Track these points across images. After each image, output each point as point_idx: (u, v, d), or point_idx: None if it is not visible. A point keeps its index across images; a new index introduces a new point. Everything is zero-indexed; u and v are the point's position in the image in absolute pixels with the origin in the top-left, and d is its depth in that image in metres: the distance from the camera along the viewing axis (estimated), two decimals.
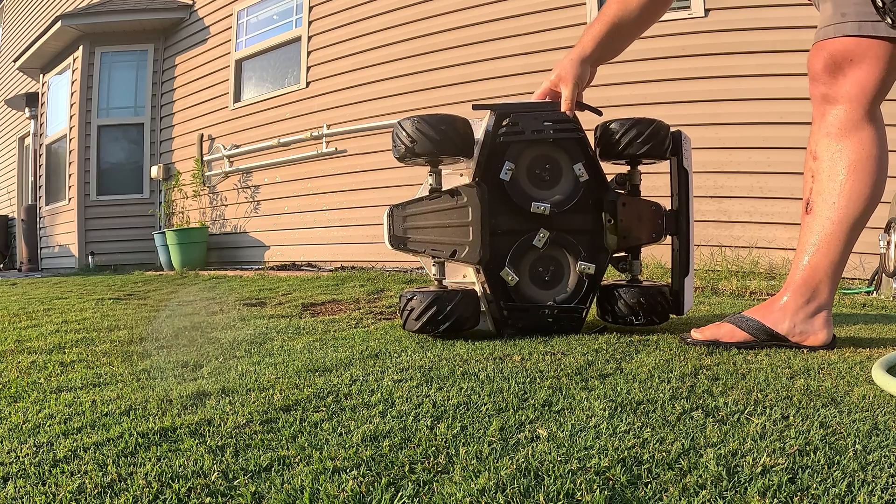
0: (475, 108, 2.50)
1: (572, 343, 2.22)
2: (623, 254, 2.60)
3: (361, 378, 1.79)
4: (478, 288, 2.50)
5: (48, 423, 1.47)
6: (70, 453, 1.27)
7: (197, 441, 1.31)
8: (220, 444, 1.29)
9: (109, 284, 6.15)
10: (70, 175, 9.98)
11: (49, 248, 10.87)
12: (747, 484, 1.03)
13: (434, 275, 2.52)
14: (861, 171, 1.96)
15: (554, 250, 2.49)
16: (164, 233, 7.94)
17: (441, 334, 2.41)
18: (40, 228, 11.21)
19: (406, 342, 2.36)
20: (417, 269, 6.15)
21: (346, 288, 4.70)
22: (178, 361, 2.14)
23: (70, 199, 9.97)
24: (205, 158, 8.60)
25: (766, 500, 0.96)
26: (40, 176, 11.24)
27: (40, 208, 11.20)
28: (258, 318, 3.31)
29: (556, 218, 2.46)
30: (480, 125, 2.53)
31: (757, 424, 1.30)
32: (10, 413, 1.57)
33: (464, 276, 2.72)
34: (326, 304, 3.89)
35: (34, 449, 1.29)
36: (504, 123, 2.45)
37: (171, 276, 6.77)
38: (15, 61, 11.82)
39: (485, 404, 1.50)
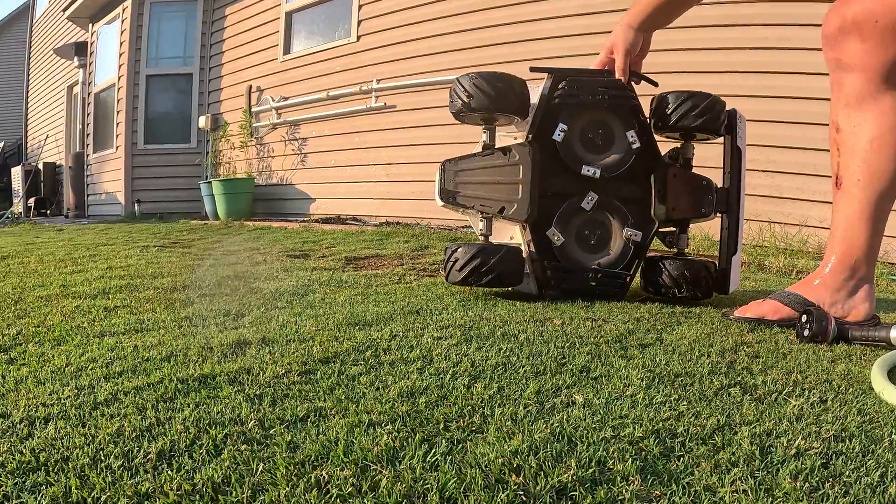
0: (532, 69, 2.46)
1: (614, 310, 2.20)
2: (671, 228, 2.55)
3: (401, 334, 1.80)
4: (523, 248, 2.49)
5: (90, 367, 1.50)
6: (110, 396, 1.29)
7: (235, 389, 1.33)
8: (257, 392, 1.31)
9: (154, 232, 6.26)
10: (118, 124, 10.11)
11: (96, 196, 11.07)
12: (780, 465, 1.00)
13: (481, 230, 2.51)
14: (884, 146, 1.86)
15: (601, 215, 2.46)
16: (210, 182, 8.04)
17: (483, 286, 2.40)
18: (87, 176, 11.41)
19: (448, 300, 2.36)
20: (463, 227, 6.14)
21: (389, 243, 4.71)
22: (219, 310, 2.18)
23: (117, 148, 10.11)
24: (253, 110, 8.65)
25: (798, 484, 0.94)
26: (88, 124, 11.40)
27: (88, 156, 11.38)
28: (301, 269, 3.34)
29: (605, 183, 2.43)
30: (537, 90, 2.49)
31: (794, 406, 1.27)
32: (53, 356, 1.61)
33: (510, 237, 2.70)
34: (370, 259, 3.91)
35: (75, 391, 1.32)
36: (560, 86, 2.42)
37: (215, 226, 6.86)
38: (64, 10, 11.94)
39: (523, 366, 1.49)
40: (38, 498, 0.88)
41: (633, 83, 2.46)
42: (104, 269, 3.35)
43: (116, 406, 1.24)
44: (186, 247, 4.84)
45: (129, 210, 9.57)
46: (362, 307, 2.21)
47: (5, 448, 1.04)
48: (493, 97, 2.36)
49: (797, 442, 1.09)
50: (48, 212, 12.97)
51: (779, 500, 0.91)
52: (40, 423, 1.15)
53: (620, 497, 0.91)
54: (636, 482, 0.95)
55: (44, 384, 1.38)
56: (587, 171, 2.40)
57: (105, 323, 2.00)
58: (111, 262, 3.68)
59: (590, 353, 1.63)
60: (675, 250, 2.56)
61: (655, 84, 2.48)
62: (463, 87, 2.40)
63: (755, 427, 1.15)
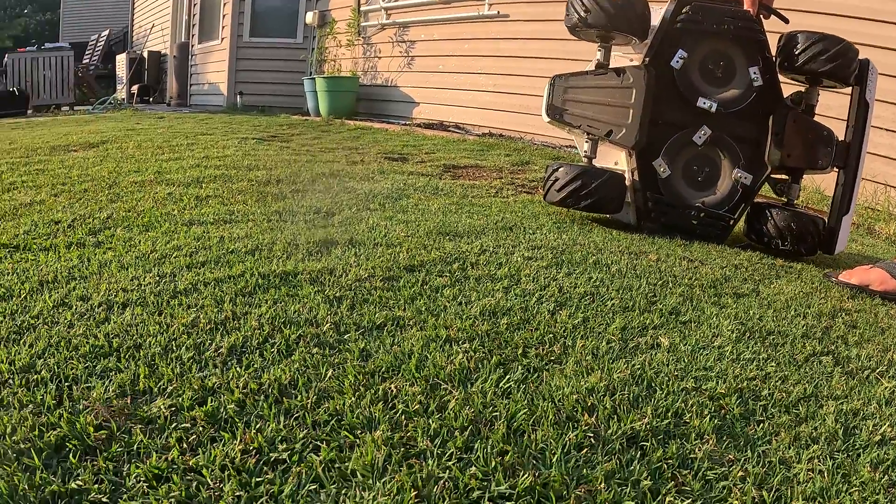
0: None
1: (712, 253, 2.10)
2: (783, 176, 2.40)
3: (491, 249, 1.77)
4: (627, 175, 2.40)
5: (174, 255, 1.52)
6: (190, 286, 1.31)
7: (315, 289, 1.33)
8: (337, 294, 1.31)
9: (254, 125, 6.34)
10: (224, 16, 10.13)
11: (198, 86, 11.25)
12: (861, 451, 0.93)
13: (585, 152, 2.43)
14: None
15: (712, 151, 2.33)
16: (314, 79, 8.04)
17: (581, 209, 2.33)
18: (191, 66, 11.56)
19: (542, 220, 2.30)
20: (567, 146, 5.98)
21: (490, 155, 4.63)
22: (311, 207, 2.19)
23: (223, 39, 10.17)
24: (362, 8, 8.54)
25: (877, 475, 0.86)
26: (194, 15, 11.47)
27: (192, 46, 11.50)
28: (397, 173, 3.33)
29: (720, 118, 2.28)
30: (659, 12, 2.34)
31: (886, 388, 1.17)
32: (139, 242, 1.64)
33: (615, 162, 2.60)
34: (468, 169, 3.86)
35: (156, 279, 1.34)
36: (684, 11, 2.26)
37: (316, 123, 6.91)
38: None
39: (611, 299, 1.44)
40: (106, 384, 0.90)
41: (761, 17, 2.28)
42: (200, 159, 3.41)
43: (195, 296, 1.25)
44: (285, 141, 4.89)
45: (231, 101, 9.68)
46: (455, 217, 2.18)
47: (80, 331, 1.06)
48: (611, 14, 2.23)
49: (883, 428, 1.00)
50: (150, 99, 13.32)
51: (855, 488, 0.84)
52: (118, 308, 1.18)
53: (692, 455, 0.87)
54: (711, 441, 0.90)
55: (126, 269, 1.40)
56: (703, 103, 2.26)
57: (195, 212, 2.02)
58: (208, 152, 3.75)
59: (682, 294, 1.56)
60: (784, 200, 2.41)
61: (786, 21, 2.29)
62: (581, 1, 2.27)
63: (842, 404, 1.08)
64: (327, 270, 1.45)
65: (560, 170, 2.34)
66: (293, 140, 5.01)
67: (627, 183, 2.37)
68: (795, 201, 2.40)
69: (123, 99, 12.46)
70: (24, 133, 5.37)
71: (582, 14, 2.26)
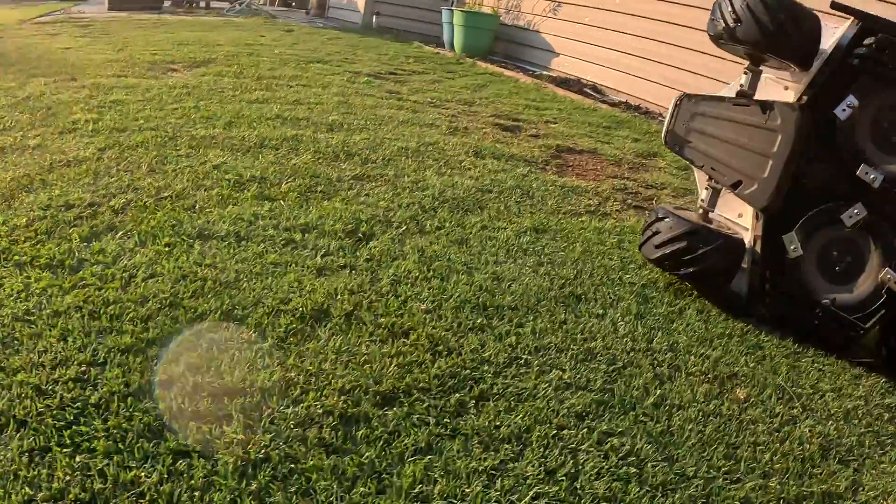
0: (834, 6, 1.75)
1: (822, 383, 1.59)
2: None
3: (525, 358, 1.38)
4: (748, 237, 1.92)
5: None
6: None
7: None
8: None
9: (380, 53, 5.97)
10: None
11: (337, 0, 10.99)
12: None
13: (702, 201, 1.95)
14: None
15: (861, 238, 1.79)
16: (452, 10, 7.58)
17: (682, 277, 1.89)
18: None
19: (629, 276, 1.87)
20: None
21: (616, 135, 4.08)
22: (352, 218, 1.85)
23: None
24: None
25: None
26: None
27: None
28: (496, 157, 2.89)
29: (884, 198, 1.74)
30: (834, 32, 1.79)
31: None
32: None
33: (739, 214, 2.09)
34: (583, 155, 3.38)
35: None
36: (868, 42, 1.69)
37: (446, 59, 6.48)
38: None
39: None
40: None
41: None
42: (289, 104, 3.11)
43: None
44: (401, 81, 4.53)
45: (367, 21, 9.33)
46: (514, 267, 1.78)
47: None
48: (768, 32, 1.69)
49: None
50: (293, 4, 13.14)
51: None
52: None
53: None
54: None
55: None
56: (866, 173, 1.72)
57: (222, 210, 1.75)
58: (305, 93, 3.45)
59: (756, 486, 1.12)
60: None
61: None
62: (732, 5, 1.74)
63: None
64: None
65: (664, 221, 1.88)
66: (410, 81, 4.63)
67: (747, 245, 1.89)
68: None
69: (265, 2, 12.37)
70: (142, 35, 5.27)
71: (730, 24, 1.73)
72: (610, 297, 1.72)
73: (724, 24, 1.76)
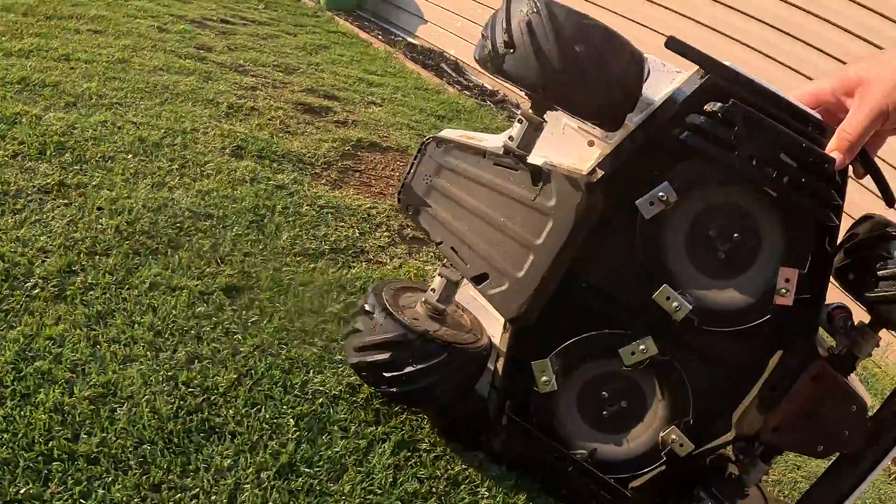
0: (669, 45, 1.13)
1: None
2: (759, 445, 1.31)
3: None
4: (498, 346, 1.32)
5: None
6: None
7: None
8: None
9: None
10: None
11: None
12: None
13: (433, 289, 1.32)
14: None
15: (645, 381, 1.24)
16: None
17: (388, 397, 1.30)
18: None
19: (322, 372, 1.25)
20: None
21: (447, 125, 3.48)
22: None
23: None
24: None
25: None
26: None
27: None
28: (263, 155, 2.22)
29: (688, 335, 1.18)
30: (671, 81, 1.19)
31: None
32: None
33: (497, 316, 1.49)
34: (387, 155, 2.74)
35: None
36: (710, 109, 1.09)
37: (304, 10, 5.43)
38: None
39: None
40: None
41: (854, 171, 1.17)
42: (50, 62, 2.27)
43: None
44: (225, 33, 3.72)
45: None
46: (133, 378, 1.10)
47: None
48: (551, 69, 1.04)
49: None
50: None
51: None
52: None
53: None
54: None
55: None
56: (667, 298, 1.15)
57: None
58: (78, 47, 2.60)
59: None
60: (736, 473, 1.32)
61: (893, 202, 1.17)
62: (508, 23, 1.07)
63: None
64: None
65: (369, 316, 1.25)
66: (238, 34, 3.83)
67: (491, 366, 1.30)
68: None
69: None
70: None
71: (499, 49, 1.07)
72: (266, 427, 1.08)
73: (490, 48, 1.09)
